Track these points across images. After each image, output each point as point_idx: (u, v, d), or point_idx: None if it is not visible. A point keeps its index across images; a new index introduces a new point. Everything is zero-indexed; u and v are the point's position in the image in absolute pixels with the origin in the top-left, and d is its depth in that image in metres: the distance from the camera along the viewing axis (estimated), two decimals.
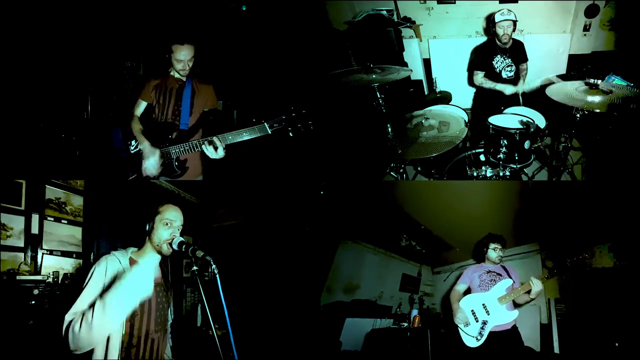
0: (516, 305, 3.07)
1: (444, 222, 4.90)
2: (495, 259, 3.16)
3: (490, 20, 4.10)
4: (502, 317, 2.99)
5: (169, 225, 1.99)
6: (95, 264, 1.92)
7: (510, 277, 3.10)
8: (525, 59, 4.19)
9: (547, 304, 4.15)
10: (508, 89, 3.98)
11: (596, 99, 2.97)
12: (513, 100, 3.99)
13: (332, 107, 4.20)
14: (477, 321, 3.02)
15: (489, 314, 3.01)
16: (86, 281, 1.87)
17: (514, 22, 3.90)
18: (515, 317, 3.00)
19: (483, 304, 3.04)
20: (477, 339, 2.97)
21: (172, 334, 2.15)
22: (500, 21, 3.89)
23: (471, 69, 4.41)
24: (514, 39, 4.08)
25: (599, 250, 3.88)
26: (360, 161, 4.30)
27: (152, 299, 2.01)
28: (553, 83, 3.40)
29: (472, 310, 3.06)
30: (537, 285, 2.85)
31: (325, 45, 4.68)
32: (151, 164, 2.94)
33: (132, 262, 2.01)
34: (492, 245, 3.19)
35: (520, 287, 2.99)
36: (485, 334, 2.96)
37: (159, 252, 2.02)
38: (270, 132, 2.68)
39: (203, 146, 2.77)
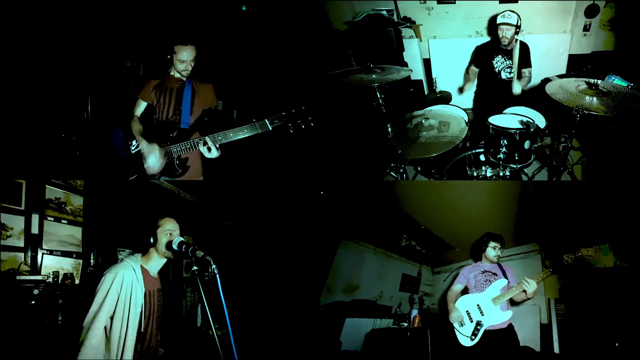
0: (514, 303, 3.08)
1: (444, 222, 4.89)
2: (493, 257, 3.17)
3: (492, 21, 4.09)
4: (496, 318, 3.01)
5: (170, 236, 2.16)
6: (110, 276, 2.00)
7: (506, 277, 3.11)
8: (529, 65, 4.04)
9: (547, 304, 4.14)
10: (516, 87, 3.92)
11: (596, 99, 2.96)
12: (513, 101, 3.99)
13: (332, 107, 4.20)
14: (471, 321, 3.05)
15: (483, 315, 3.03)
16: (102, 296, 1.95)
17: (516, 26, 3.83)
18: (509, 317, 3.02)
19: (477, 305, 3.07)
20: (471, 338, 3.01)
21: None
22: (501, 24, 3.87)
23: (470, 64, 4.41)
24: (521, 42, 3.98)
25: (599, 250, 3.87)
26: (360, 161, 4.30)
27: (154, 301, 2.16)
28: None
29: (467, 311, 3.09)
30: (531, 286, 2.87)
31: (325, 45, 4.68)
32: (152, 160, 2.94)
33: (141, 268, 2.15)
34: (492, 244, 3.19)
35: (514, 287, 3.01)
36: (480, 334, 2.99)
37: (165, 257, 2.20)
38: (271, 129, 2.70)
39: (199, 146, 2.80)
